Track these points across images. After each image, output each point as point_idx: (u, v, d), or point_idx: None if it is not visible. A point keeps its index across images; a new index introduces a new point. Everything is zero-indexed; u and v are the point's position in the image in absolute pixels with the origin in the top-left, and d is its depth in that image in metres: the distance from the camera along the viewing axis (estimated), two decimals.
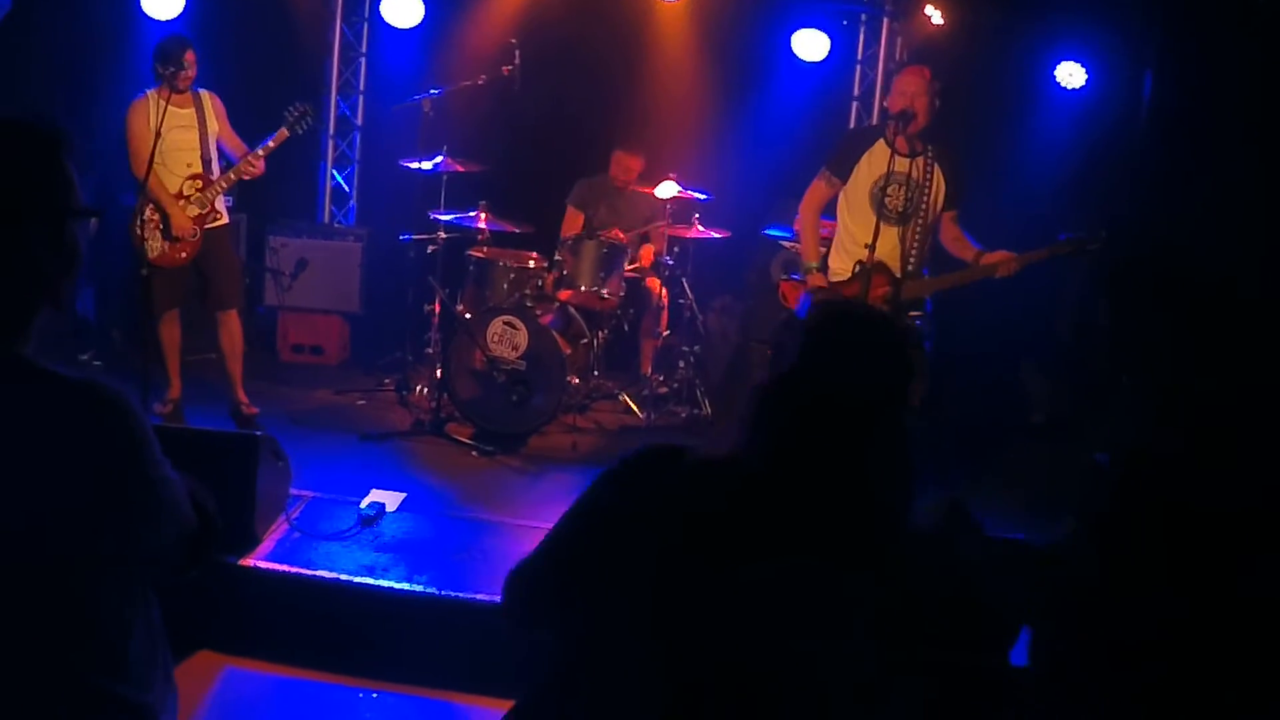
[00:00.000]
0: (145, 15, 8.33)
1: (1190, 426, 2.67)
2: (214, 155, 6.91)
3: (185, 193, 6.80)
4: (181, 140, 6.75)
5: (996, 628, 2.75)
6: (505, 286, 7.58)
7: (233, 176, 6.87)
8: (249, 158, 6.84)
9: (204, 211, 6.83)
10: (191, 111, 6.82)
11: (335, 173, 9.76)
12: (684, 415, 8.00)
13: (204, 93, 6.92)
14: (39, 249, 2.01)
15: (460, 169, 7.69)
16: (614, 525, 2.22)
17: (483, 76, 7.66)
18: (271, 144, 6.85)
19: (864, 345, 2.28)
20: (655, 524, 2.16)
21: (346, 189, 9.78)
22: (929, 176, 6.00)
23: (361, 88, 9.68)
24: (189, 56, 6.68)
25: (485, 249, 7.71)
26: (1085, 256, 5.72)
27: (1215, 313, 2.66)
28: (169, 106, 6.55)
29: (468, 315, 7.44)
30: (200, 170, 6.84)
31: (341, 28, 9.55)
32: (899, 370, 2.27)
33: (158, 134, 6.30)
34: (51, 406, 1.99)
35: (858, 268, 6.05)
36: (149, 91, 6.77)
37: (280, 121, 6.87)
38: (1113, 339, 2.80)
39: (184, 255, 6.82)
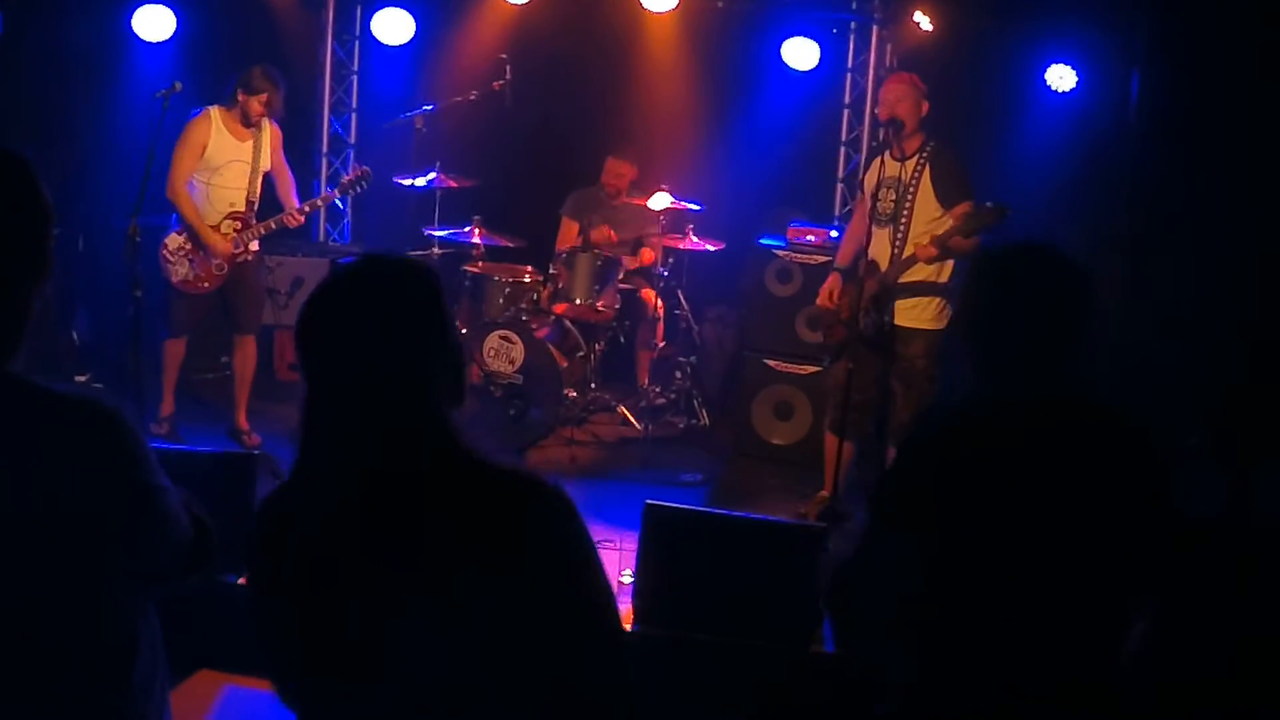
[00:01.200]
0: (136, 36, 8.34)
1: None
2: (258, 195, 6.88)
3: (223, 230, 6.78)
4: (232, 178, 6.74)
5: None
6: (500, 301, 7.59)
7: (273, 225, 6.87)
8: (294, 211, 6.86)
9: (236, 251, 6.82)
10: (249, 146, 6.79)
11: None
12: (681, 425, 8.01)
13: (267, 123, 6.88)
14: (15, 267, 2.04)
15: (454, 185, 7.70)
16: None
17: (474, 92, 7.69)
18: (319, 202, 6.91)
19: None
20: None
21: (341, 207, 9.78)
22: (916, 177, 6.05)
23: (354, 105, 9.70)
24: (276, 101, 6.70)
25: (480, 264, 7.72)
26: (988, 229, 5.78)
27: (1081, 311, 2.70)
28: (229, 135, 6.57)
29: (463, 330, 7.45)
30: (243, 210, 6.82)
31: (333, 46, 9.57)
32: None
33: (212, 164, 6.30)
34: (49, 422, 2.01)
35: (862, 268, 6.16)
36: (213, 109, 6.74)
37: (334, 183, 6.90)
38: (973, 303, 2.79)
39: (206, 286, 6.82)
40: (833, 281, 6.43)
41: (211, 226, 6.74)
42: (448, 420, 2.02)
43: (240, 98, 6.67)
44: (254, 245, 6.93)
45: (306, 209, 6.96)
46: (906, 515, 2.62)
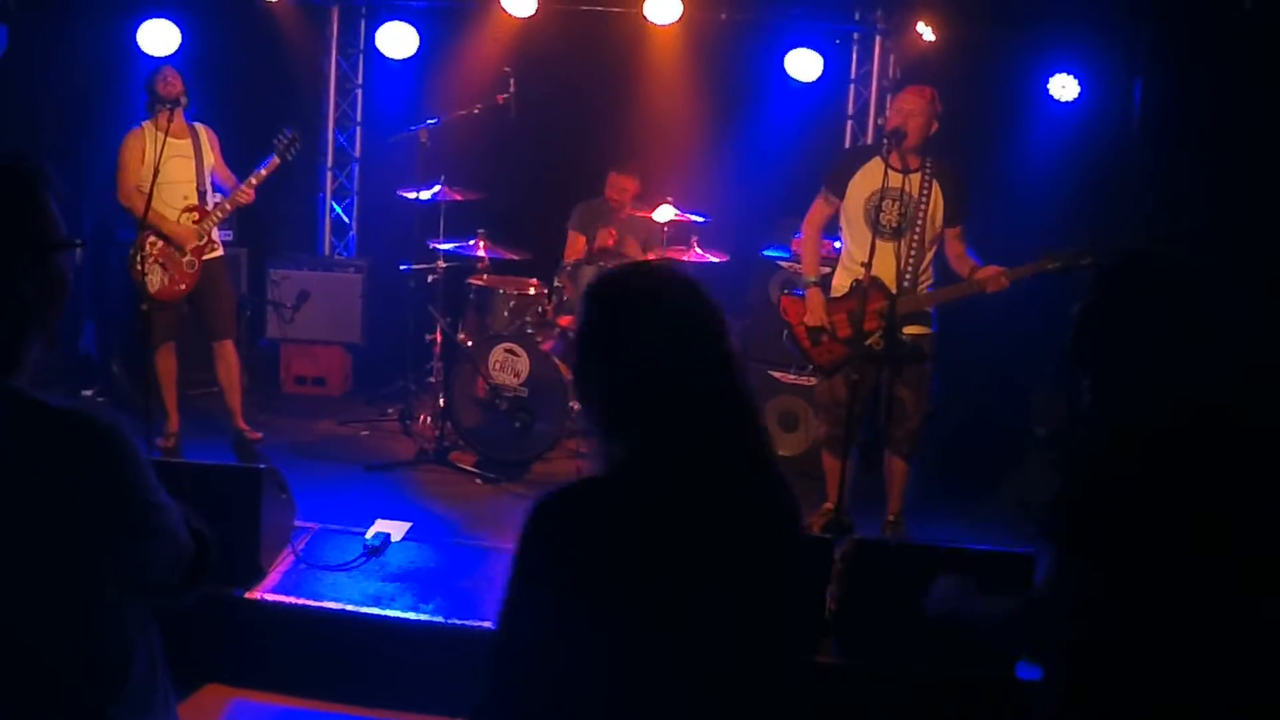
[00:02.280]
0: (142, 51, 8.37)
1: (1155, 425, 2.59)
2: (209, 187, 6.97)
3: (182, 223, 6.84)
4: (178, 172, 6.81)
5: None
6: (506, 314, 7.59)
7: (228, 206, 6.92)
8: (242, 186, 6.89)
9: (201, 244, 6.87)
10: (188, 143, 6.89)
11: (334, 204, 9.79)
12: None
13: (200, 126, 7.00)
14: (23, 283, 2.05)
15: (458, 198, 7.71)
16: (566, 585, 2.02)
17: (478, 105, 7.69)
18: (264, 172, 6.89)
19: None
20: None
21: (346, 220, 9.81)
22: (926, 192, 6.02)
23: (358, 119, 9.73)
24: (167, 72, 6.78)
25: (485, 277, 7.72)
26: (1075, 273, 5.69)
27: (1190, 311, 2.61)
28: (167, 137, 6.60)
29: (469, 343, 7.45)
30: (196, 202, 6.90)
31: (337, 60, 9.59)
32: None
33: (156, 168, 6.34)
34: (45, 436, 2.01)
35: (854, 284, 6.10)
36: (145, 122, 6.83)
37: (270, 150, 6.91)
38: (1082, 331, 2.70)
39: (183, 288, 6.86)
40: (817, 298, 6.29)
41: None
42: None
43: (149, 93, 6.78)
44: (217, 235, 7.02)
45: (254, 181, 6.94)
46: (1095, 546, 2.54)
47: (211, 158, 6.99)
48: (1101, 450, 2.58)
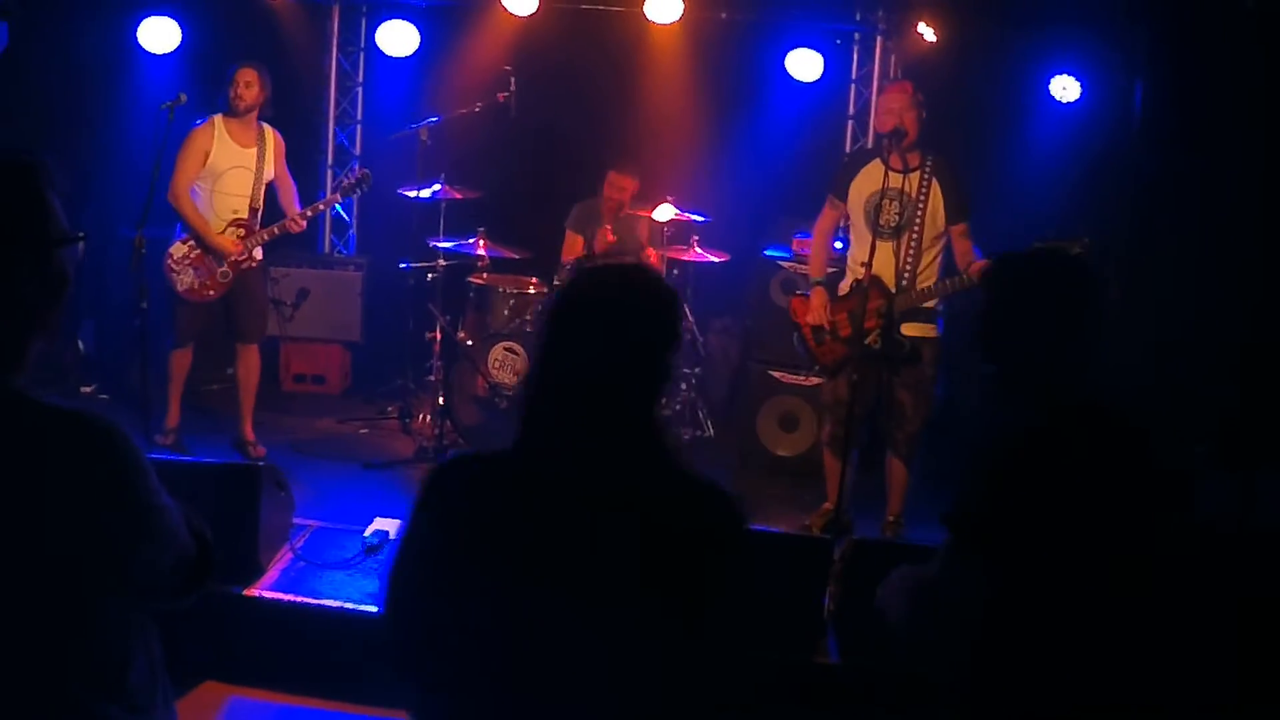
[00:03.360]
0: (141, 48, 8.37)
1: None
2: (262, 202, 6.89)
3: (227, 236, 6.80)
4: (235, 184, 6.75)
5: None
6: (506, 312, 7.59)
7: (276, 230, 6.86)
8: (295, 216, 6.86)
9: (240, 258, 6.83)
10: (253, 152, 6.81)
11: None
12: (686, 436, 8.00)
13: (269, 131, 6.91)
14: (24, 279, 2.04)
15: (458, 196, 7.70)
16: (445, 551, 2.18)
17: (479, 104, 7.68)
18: (321, 205, 6.90)
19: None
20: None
21: (346, 218, 9.81)
22: (925, 190, 6.03)
23: (359, 117, 9.72)
24: (241, 76, 6.70)
25: (485, 275, 7.72)
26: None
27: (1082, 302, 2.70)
28: (232, 142, 6.58)
29: (469, 342, 7.45)
30: (246, 217, 6.82)
31: (338, 57, 9.59)
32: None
33: (215, 171, 6.30)
34: (46, 437, 2.01)
35: (855, 284, 6.13)
36: (215, 117, 6.76)
37: (338, 185, 6.88)
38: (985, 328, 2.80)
39: (211, 294, 6.81)
40: (820, 297, 6.34)
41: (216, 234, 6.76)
42: None
43: (230, 94, 6.69)
44: (258, 253, 6.93)
45: (308, 213, 6.96)
46: (988, 539, 2.61)
47: (272, 169, 6.90)
48: (990, 449, 2.68)
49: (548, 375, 2.20)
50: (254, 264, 6.94)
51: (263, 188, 6.88)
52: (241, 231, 6.80)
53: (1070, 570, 2.54)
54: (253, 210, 6.84)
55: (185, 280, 6.75)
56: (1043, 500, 2.54)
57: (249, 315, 7.02)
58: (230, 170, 6.69)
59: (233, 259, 6.77)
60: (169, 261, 6.71)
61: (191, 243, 6.73)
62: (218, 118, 6.75)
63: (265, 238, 6.86)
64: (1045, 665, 2.56)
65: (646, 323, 2.21)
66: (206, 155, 6.67)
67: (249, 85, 6.71)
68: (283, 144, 6.99)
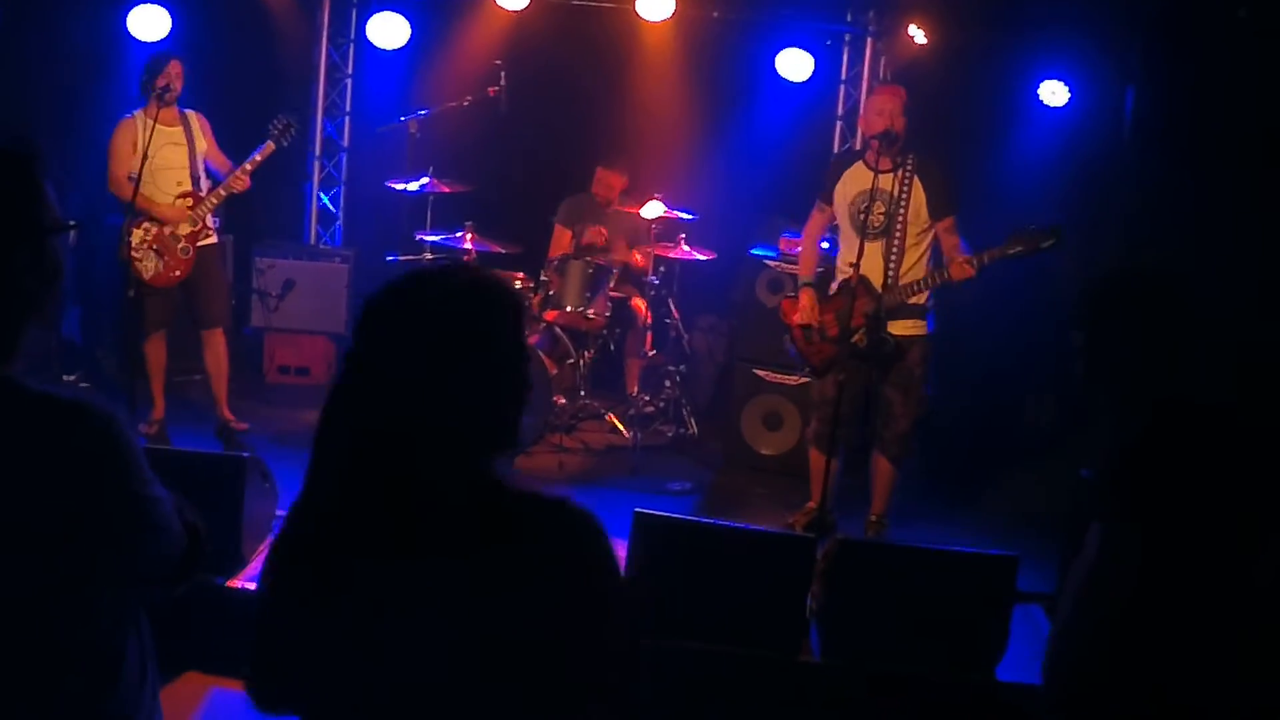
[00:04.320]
0: (132, 36, 8.34)
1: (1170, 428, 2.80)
2: (202, 173, 6.94)
3: (176, 206, 6.81)
4: (171, 158, 6.79)
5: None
6: None
7: (222, 192, 6.88)
8: (237, 172, 6.85)
9: (196, 229, 6.84)
10: (180, 130, 6.86)
11: (321, 194, 9.76)
12: (670, 434, 8.01)
13: (190, 112, 6.97)
14: (23, 268, 2.04)
15: (446, 190, 7.70)
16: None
17: (469, 97, 7.69)
18: (258, 158, 6.86)
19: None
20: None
21: (333, 210, 9.78)
22: (906, 189, 6.04)
23: (348, 109, 9.70)
24: (173, 68, 6.73)
25: None
26: (1042, 254, 5.78)
27: (1182, 323, 2.85)
28: (157, 125, 6.58)
29: None
30: (190, 188, 6.87)
31: (327, 49, 9.56)
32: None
33: (145, 154, 6.31)
34: (41, 427, 2.00)
35: (843, 284, 6.15)
36: (136, 112, 6.82)
37: (265, 135, 6.88)
38: (1089, 355, 2.95)
39: (177, 274, 6.83)
40: (808, 298, 6.36)
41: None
42: None
43: (148, 83, 6.72)
44: (211, 222, 6.97)
45: (248, 167, 6.90)
46: (1142, 507, 2.76)
47: (204, 144, 6.95)
48: (1133, 437, 2.82)
49: (351, 400, 2.00)
50: (211, 238, 6.98)
51: (200, 160, 6.91)
52: (190, 201, 6.83)
53: (1214, 544, 2.69)
54: (195, 179, 6.89)
55: (150, 267, 6.75)
56: (1189, 478, 2.71)
57: (210, 299, 7.03)
58: (164, 148, 6.73)
59: (189, 232, 6.81)
60: (129, 252, 6.68)
61: (146, 224, 6.73)
62: (138, 111, 6.81)
63: (214, 201, 6.90)
64: (1189, 641, 2.69)
65: (460, 332, 2.06)
66: (134, 143, 6.71)
67: (179, 76, 6.76)
68: (207, 123, 7.03)
